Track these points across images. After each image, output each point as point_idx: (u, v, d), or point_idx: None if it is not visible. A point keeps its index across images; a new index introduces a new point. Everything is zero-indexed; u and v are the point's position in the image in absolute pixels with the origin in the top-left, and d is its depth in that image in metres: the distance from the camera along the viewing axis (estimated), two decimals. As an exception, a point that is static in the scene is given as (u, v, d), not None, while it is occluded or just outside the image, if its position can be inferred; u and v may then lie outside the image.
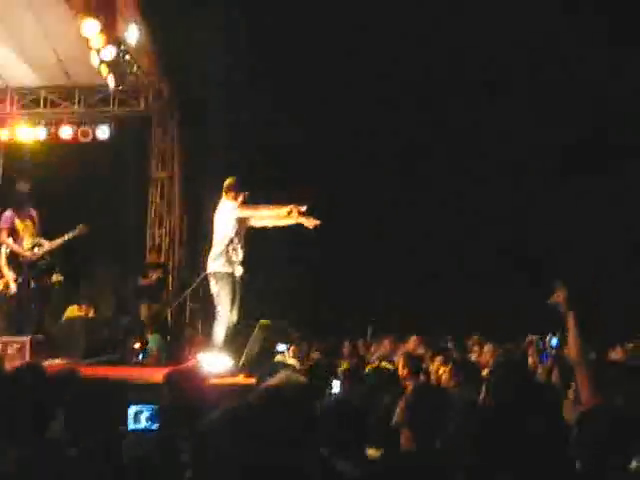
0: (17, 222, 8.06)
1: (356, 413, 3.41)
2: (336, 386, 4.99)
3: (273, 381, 4.40)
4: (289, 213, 6.49)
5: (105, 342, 8.45)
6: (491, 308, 11.85)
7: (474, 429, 2.60)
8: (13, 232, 8.01)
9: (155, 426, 3.21)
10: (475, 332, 10.34)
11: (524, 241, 13.27)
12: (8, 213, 8.08)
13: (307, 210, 6.57)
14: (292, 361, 6.89)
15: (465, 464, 2.44)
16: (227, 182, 6.83)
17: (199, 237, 10.62)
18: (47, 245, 8.09)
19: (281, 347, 6.91)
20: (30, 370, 3.08)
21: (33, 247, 8.00)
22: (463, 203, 13.63)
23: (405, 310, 11.93)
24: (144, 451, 3.04)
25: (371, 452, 3.35)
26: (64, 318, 9.33)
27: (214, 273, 6.64)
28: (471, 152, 13.42)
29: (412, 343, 9.75)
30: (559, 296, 3.91)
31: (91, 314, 9.68)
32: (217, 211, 6.79)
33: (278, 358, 6.86)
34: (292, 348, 7.07)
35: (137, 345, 8.77)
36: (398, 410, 3.56)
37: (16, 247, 7.94)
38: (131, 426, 3.15)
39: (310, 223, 6.60)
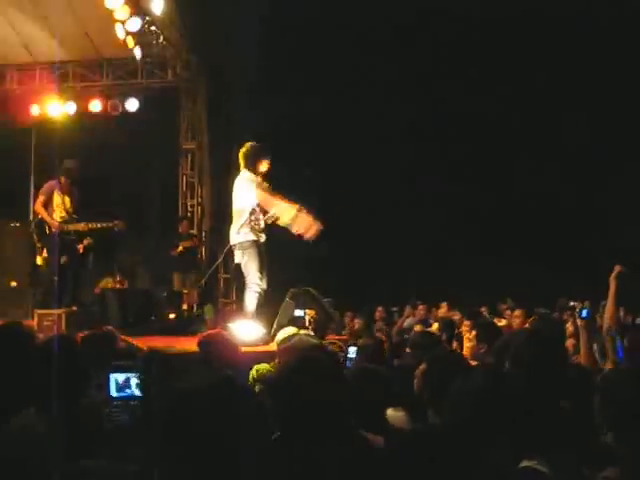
0: (56, 194, 8.21)
1: (379, 379, 3.42)
2: (352, 352, 4.98)
3: (288, 344, 4.48)
4: (298, 211, 6.39)
5: (140, 313, 8.55)
6: (525, 276, 11.77)
7: (497, 399, 2.58)
8: (49, 202, 8.18)
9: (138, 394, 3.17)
10: (507, 298, 10.32)
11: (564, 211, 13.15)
12: (50, 183, 8.28)
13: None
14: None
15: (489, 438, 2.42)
16: (244, 150, 6.72)
17: (229, 207, 10.68)
18: (80, 226, 8.23)
19: (298, 312, 6.82)
20: (62, 340, 3.14)
21: (64, 222, 8.13)
22: (495, 174, 13.47)
23: (439, 278, 11.90)
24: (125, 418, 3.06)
25: (390, 412, 3.35)
26: (99, 290, 9.47)
27: (240, 244, 6.60)
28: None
29: (444, 309, 9.78)
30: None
31: (125, 285, 9.82)
32: (236, 181, 6.74)
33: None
34: (309, 312, 7.03)
35: (172, 315, 8.90)
36: (416, 379, 3.55)
37: (47, 216, 8.09)
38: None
39: (311, 231, 6.45)
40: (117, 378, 3.05)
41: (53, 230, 8.13)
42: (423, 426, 2.99)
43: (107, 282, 9.75)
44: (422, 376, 3.47)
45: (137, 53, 9.55)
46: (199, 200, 11.28)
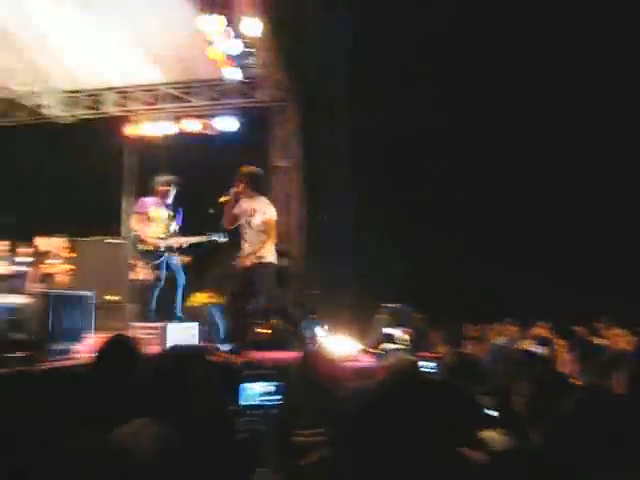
0: (152, 209, 8.43)
1: (469, 397, 3.40)
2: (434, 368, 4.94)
3: (387, 362, 4.49)
4: None
5: (235, 327, 8.67)
6: (621, 293, 11.41)
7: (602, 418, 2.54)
8: (145, 219, 8.39)
9: (274, 402, 3.30)
10: (603, 317, 10.02)
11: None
12: (146, 199, 8.49)
13: None
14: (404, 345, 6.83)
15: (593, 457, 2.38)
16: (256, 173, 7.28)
17: (320, 224, 10.80)
18: (176, 241, 8.40)
19: (389, 330, 6.85)
20: (172, 352, 3.25)
21: (160, 238, 8.32)
22: (591, 187, 13.11)
23: (530, 294, 11.66)
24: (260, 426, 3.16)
25: (488, 434, 3.31)
26: (194, 304, 9.67)
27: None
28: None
29: (539, 328, 9.56)
30: None
31: (220, 300, 9.98)
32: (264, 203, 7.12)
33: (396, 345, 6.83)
34: (404, 331, 7.04)
35: (266, 330, 9.01)
36: (516, 397, 3.50)
37: (142, 233, 8.30)
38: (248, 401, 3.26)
39: None
40: (249, 388, 3.15)
41: (148, 246, 8.34)
42: (526, 444, 2.96)
43: (202, 296, 9.95)
44: (525, 394, 3.42)
45: (232, 75, 9.82)
46: (290, 217, 11.42)
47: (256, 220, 7.10)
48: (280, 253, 10.65)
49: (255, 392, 3.19)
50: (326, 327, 8.06)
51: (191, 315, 9.12)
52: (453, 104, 11.86)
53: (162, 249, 8.32)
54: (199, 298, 9.88)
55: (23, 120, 12.52)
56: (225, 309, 9.65)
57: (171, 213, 8.53)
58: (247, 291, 7.12)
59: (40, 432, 3.75)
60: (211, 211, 7.83)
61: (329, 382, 3.94)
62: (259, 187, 7.22)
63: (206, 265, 10.73)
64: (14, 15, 9.94)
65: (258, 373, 3.29)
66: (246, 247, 7.16)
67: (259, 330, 9.02)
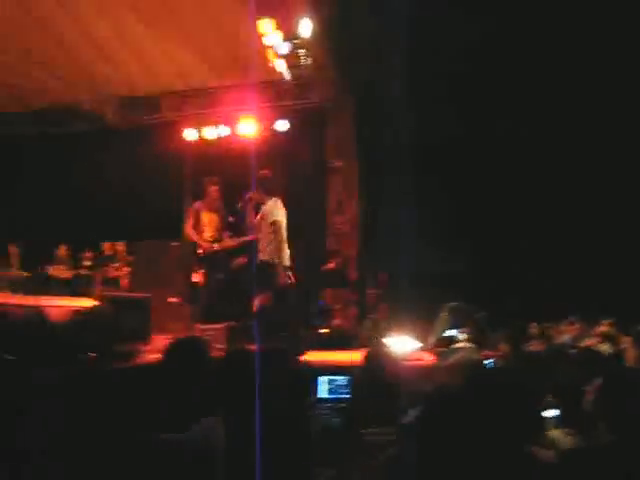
0: (203, 214, 8.53)
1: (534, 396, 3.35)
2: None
3: (450, 360, 4.45)
4: None
5: (294, 327, 8.72)
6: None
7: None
8: (197, 223, 8.48)
9: (344, 397, 3.32)
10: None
11: None
12: (196, 204, 8.59)
13: None
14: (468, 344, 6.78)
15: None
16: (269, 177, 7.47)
17: (378, 224, 10.78)
18: (229, 242, 8.48)
19: (450, 332, 6.80)
20: (240, 353, 3.28)
21: (213, 241, 8.40)
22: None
23: (594, 292, 11.41)
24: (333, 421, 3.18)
25: (556, 433, 3.27)
26: (254, 305, 9.74)
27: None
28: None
29: (603, 325, 9.36)
30: None
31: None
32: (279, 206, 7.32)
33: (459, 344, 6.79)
34: (464, 331, 6.96)
35: (324, 330, 9.05)
36: (588, 396, 3.44)
37: (196, 238, 8.39)
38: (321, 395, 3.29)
39: None
40: (326, 381, 3.18)
41: (203, 250, 8.42)
42: (594, 444, 2.92)
43: (261, 298, 10.01)
44: (597, 393, 3.36)
45: (286, 76, 9.87)
46: (347, 217, 11.44)
47: (266, 222, 7.26)
48: (335, 253, 10.72)
49: (327, 386, 3.21)
50: (386, 326, 8.05)
51: (252, 315, 9.19)
52: (511, 105, 11.69)
53: (217, 251, 8.37)
54: (259, 299, 9.94)
55: (84, 128, 12.81)
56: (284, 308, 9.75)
57: (222, 214, 8.57)
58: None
59: (111, 433, 3.83)
60: (230, 219, 7.97)
61: (393, 381, 3.93)
62: (271, 190, 7.38)
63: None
64: (73, 26, 10.19)
65: (330, 368, 3.31)
66: (259, 249, 7.34)
67: (320, 329, 9.07)
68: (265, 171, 7.60)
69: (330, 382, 3.22)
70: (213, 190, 8.57)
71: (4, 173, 12.42)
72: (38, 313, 5.08)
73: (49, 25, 10.23)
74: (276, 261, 7.27)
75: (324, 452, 3.00)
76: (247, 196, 7.57)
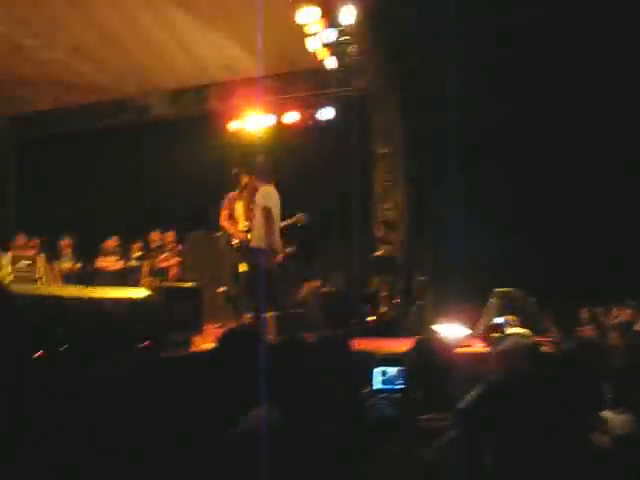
0: (237, 205, 8.59)
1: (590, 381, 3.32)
2: None
3: (504, 346, 4.43)
4: None
5: (341, 316, 8.77)
6: None
7: None
8: (232, 214, 8.54)
9: (398, 386, 3.34)
10: None
11: None
12: (229, 195, 8.64)
13: None
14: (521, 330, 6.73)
15: None
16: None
17: (425, 210, 10.72)
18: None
19: (498, 320, 6.74)
20: (292, 342, 3.31)
21: (247, 231, 8.45)
22: None
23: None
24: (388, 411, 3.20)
25: (610, 417, 3.24)
26: (301, 294, 9.82)
27: None
28: None
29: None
30: None
31: (326, 288, 10.11)
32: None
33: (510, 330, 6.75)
34: (512, 317, 6.90)
35: (371, 318, 9.07)
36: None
37: (231, 229, 8.46)
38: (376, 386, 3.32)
39: None
40: (381, 372, 3.21)
41: (239, 241, 8.44)
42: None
43: (308, 286, 10.08)
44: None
45: (330, 63, 9.86)
46: (393, 204, 11.39)
47: (258, 209, 7.46)
48: (381, 240, 10.70)
49: (381, 377, 3.23)
50: (434, 313, 8.03)
51: (299, 304, 9.27)
52: (563, 86, 11.45)
53: (245, 243, 8.36)
54: (307, 287, 10.01)
55: (131, 120, 12.99)
56: (332, 297, 9.78)
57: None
58: None
59: (167, 420, 3.90)
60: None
61: (444, 367, 3.93)
62: (264, 177, 7.58)
63: (308, 254, 10.87)
64: (121, 20, 10.32)
65: (383, 358, 3.33)
66: (253, 235, 7.60)
67: (368, 317, 9.09)
68: (260, 157, 7.82)
69: (384, 373, 3.23)
70: (242, 180, 8.59)
71: (56, 167, 12.66)
72: (93, 304, 5.20)
73: (96, 20, 10.38)
74: (264, 246, 7.42)
75: (379, 440, 3.01)
76: (241, 185, 7.84)
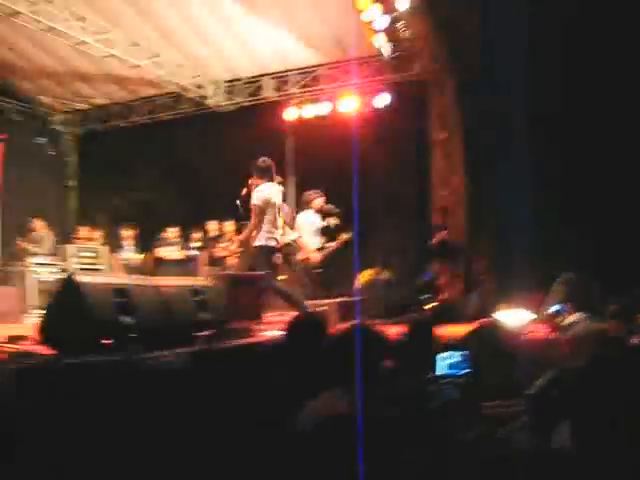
0: None
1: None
2: None
3: (574, 332, 4.35)
4: None
5: (401, 303, 8.75)
6: None
7: None
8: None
9: (462, 372, 3.32)
10: None
11: None
12: None
13: None
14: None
15: None
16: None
17: (485, 195, 10.57)
18: (291, 236, 8.63)
19: (562, 305, 6.60)
20: (361, 329, 3.30)
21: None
22: None
23: None
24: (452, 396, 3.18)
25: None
26: (361, 281, 9.81)
27: None
28: None
29: None
30: None
31: (385, 276, 10.08)
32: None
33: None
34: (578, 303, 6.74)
35: (431, 305, 9.02)
36: None
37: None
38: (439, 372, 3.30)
39: None
40: (445, 357, 3.20)
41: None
42: None
43: (368, 273, 10.07)
44: None
45: (386, 50, 9.81)
46: (451, 191, 11.27)
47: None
48: (440, 227, 10.61)
49: (445, 362, 3.21)
50: (497, 299, 7.93)
51: (362, 291, 9.28)
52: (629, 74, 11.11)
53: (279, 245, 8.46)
54: (365, 275, 10.00)
55: (188, 111, 13.14)
56: (391, 284, 9.77)
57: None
58: None
59: (230, 409, 3.94)
60: (238, 203, 8.06)
61: (508, 353, 3.88)
62: (263, 176, 7.65)
63: (368, 242, 10.84)
64: (177, 13, 10.44)
65: (446, 343, 3.31)
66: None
67: (427, 304, 9.04)
68: (259, 159, 7.89)
69: (448, 358, 3.21)
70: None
71: (116, 160, 12.88)
72: (157, 293, 5.28)
73: (153, 16, 10.53)
74: (260, 244, 7.49)
75: (444, 426, 3.00)
76: (248, 183, 7.85)
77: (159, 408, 4.05)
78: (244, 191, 7.91)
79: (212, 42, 11.36)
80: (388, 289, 9.15)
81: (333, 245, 9.24)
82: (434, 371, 3.25)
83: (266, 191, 7.61)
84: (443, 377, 3.23)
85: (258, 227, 7.44)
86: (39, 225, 11.36)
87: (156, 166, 13.07)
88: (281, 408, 3.36)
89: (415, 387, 3.06)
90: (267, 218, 7.48)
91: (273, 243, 7.53)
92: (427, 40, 10.63)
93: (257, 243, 7.48)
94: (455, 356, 3.27)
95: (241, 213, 8.08)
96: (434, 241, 10.34)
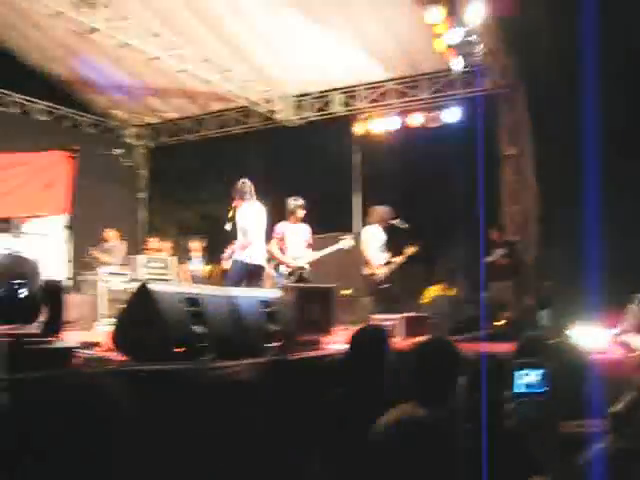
0: (287, 232, 8.68)
1: None
2: None
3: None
4: None
5: (468, 320, 8.63)
6: None
7: None
8: (282, 242, 8.64)
9: (542, 390, 3.26)
10: None
11: None
12: (280, 224, 8.74)
13: None
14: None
15: None
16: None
17: (555, 213, 10.36)
18: (309, 257, 8.62)
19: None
20: (437, 343, 3.28)
21: (296, 258, 8.56)
22: None
23: None
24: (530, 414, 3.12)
25: None
26: (428, 297, 9.75)
27: None
28: None
29: None
30: None
31: (453, 292, 9.98)
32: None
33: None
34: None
35: (500, 322, 8.87)
36: None
37: (279, 257, 8.59)
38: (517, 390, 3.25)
39: None
40: (522, 375, 3.15)
41: (288, 268, 8.55)
42: None
43: (435, 289, 10.00)
44: None
45: (457, 64, 9.74)
46: (521, 207, 11.08)
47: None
48: (506, 244, 10.42)
49: (523, 380, 3.15)
50: (569, 317, 7.76)
51: (429, 307, 9.20)
52: None
53: (296, 270, 8.52)
54: (432, 291, 9.93)
55: (257, 125, 13.29)
56: (458, 300, 9.65)
57: (302, 232, 8.72)
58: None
59: (299, 419, 3.94)
60: (227, 227, 8.23)
61: (582, 372, 3.79)
62: (243, 196, 8.10)
63: (436, 258, 10.77)
64: (248, 29, 10.60)
65: (525, 362, 3.25)
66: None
67: (495, 322, 8.90)
68: (240, 181, 8.30)
69: (525, 376, 3.15)
70: (295, 211, 8.67)
71: (185, 173, 13.11)
72: (229, 303, 5.33)
73: (223, 32, 10.72)
74: (236, 259, 8.02)
75: (522, 446, 2.95)
76: (232, 205, 8.20)
77: (229, 417, 4.08)
78: (229, 214, 8.19)
79: (282, 57, 11.49)
80: (455, 306, 9.03)
81: (398, 260, 9.18)
82: (512, 388, 3.20)
83: (250, 211, 8.00)
84: (521, 395, 3.17)
85: (244, 245, 7.86)
86: (112, 235, 11.62)
87: (225, 179, 13.23)
88: (347, 420, 3.35)
89: (493, 404, 3.02)
90: (248, 237, 7.89)
91: (252, 261, 7.91)
92: (498, 55, 10.52)
93: (235, 257, 7.95)
94: (533, 374, 3.20)
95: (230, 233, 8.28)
96: (491, 259, 10.14)
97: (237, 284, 7.69)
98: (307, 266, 8.59)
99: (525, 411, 3.13)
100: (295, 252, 8.61)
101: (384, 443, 2.84)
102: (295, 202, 8.72)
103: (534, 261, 10.51)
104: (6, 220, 6.63)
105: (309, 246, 8.72)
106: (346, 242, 8.80)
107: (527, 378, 3.15)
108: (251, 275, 7.97)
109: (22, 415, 1.80)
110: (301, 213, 8.68)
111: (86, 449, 1.66)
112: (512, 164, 11.19)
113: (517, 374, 3.18)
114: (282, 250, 8.61)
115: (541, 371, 3.24)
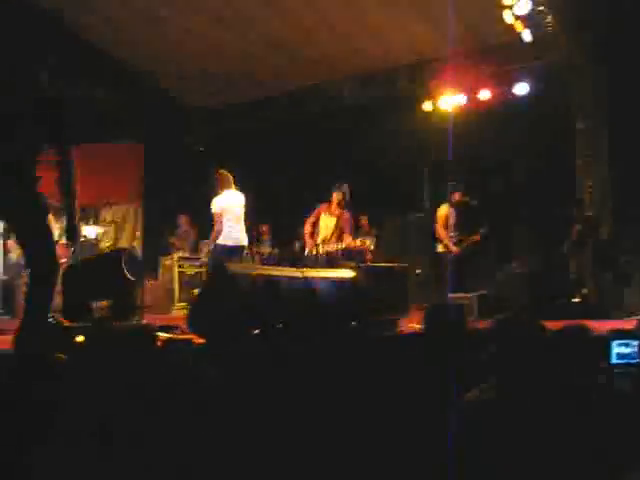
0: (322, 216, 8.69)
1: None
2: None
3: None
4: None
5: (545, 296, 8.51)
6: None
7: None
8: (316, 224, 8.73)
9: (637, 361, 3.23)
10: None
11: None
12: (319, 206, 8.74)
13: None
14: None
15: None
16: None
17: (630, 188, 10.06)
18: (333, 246, 8.52)
19: None
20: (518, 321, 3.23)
21: (321, 243, 8.58)
22: None
23: None
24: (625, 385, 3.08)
25: None
26: (501, 274, 9.63)
27: None
28: None
29: None
30: None
31: (525, 269, 9.82)
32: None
33: None
34: None
35: (577, 299, 8.72)
36: None
37: (307, 239, 8.72)
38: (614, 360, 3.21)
39: None
40: (618, 346, 3.12)
41: (311, 251, 8.66)
42: None
43: (507, 267, 9.87)
44: None
45: (526, 36, 9.50)
46: (594, 182, 10.76)
47: None
48: (582, 219, 10.15)
49: (618, 351, 3.11)
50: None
51: (504, 285, 9.13)
52: None
53: (320, 254, 8.57)
54: (506, 269, 9.81)
55: (324, 107, 13.21)
56: (532, 278, 9.50)
57: (342, 221, 8.62)
58: None
59: (374, 400, 3.94)
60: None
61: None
62: (223, 185, 8.20)
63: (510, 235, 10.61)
64: (310, 11, 10.59)
65: (619, 333, 3.20)
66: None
67: (572, 298, 8.75)
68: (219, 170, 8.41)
69: (621, 347, 3.10)
70: (337, 196, 8.61)
71: (253, 158, 13.12)
72: (305, 284, 5.36)
73: (287, 14, 10.71)
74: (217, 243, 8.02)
75: (615, 418, 2.88)
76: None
77: (309, 398, 4.11)
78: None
79: (345, 37, 11.40)
80: (531, 282, 8.89)
81: (472, 238, 9.11)
82: (608, 360, 3.16)
83: (224, 198, 8.10)
84: (616, 366, 3.13)
85: (218, 230, 7.98)
86: (184, 220, 11.82)
87: (293, 163, 13.27)
88: (423, 400, 3.34)
89: (586, 378, 2.96)
90: (226, 222, 8.00)
91: (230, 243, 8.03)
92: (569, 26, 10.21)
93: (217, 242, 8.02)
94: (629, 345, 3.16)
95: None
96: (572, 235, 9.91)
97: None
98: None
99: (620, 383, 3.10)
100: (322, 237, 8.67)
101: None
102: (336, 187, 8.72)
103: (611, 236, 10.23)
104: (87, 208, 6.83)
105: (341, 235, 8.64)
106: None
107: (623, 349, 3.12)
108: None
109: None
110: (340, 198, 8.63)
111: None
112: (586, 138, 10.86)
113: (613, 344, 3.15)
114: (312, 233, 8.70)
115: (636, 342, 3.21)
